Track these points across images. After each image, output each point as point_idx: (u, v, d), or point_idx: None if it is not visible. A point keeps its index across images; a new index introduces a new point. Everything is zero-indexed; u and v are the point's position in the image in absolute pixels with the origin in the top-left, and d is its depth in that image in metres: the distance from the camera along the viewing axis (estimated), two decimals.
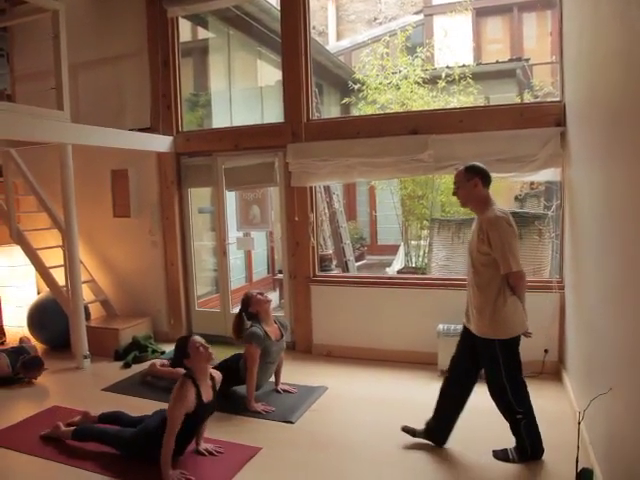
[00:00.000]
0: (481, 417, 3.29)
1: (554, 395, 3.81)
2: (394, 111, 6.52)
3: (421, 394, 3.89)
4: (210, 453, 3.15)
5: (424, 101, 6.83)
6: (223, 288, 5.52)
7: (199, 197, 5.84)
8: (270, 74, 8.19)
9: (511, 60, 8.40)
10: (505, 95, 7.73)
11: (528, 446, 2.95)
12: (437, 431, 3.18)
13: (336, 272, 6.23)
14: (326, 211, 6.71)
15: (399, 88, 6.92)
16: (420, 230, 7.12)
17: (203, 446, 3.18)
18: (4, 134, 4.15)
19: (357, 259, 8.00)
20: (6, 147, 5.22)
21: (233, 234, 5.63)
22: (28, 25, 5.42)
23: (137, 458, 3.05)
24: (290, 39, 4.88)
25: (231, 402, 3.84)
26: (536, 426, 2.97)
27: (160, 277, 5.59)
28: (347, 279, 5.23)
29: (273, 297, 7.03)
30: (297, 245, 5.02)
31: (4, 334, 5.65)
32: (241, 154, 5.23)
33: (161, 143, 5.29)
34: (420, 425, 3.22)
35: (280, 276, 6.13)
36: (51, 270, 5.20)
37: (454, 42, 8.08)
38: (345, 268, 6.81)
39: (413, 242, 7.25)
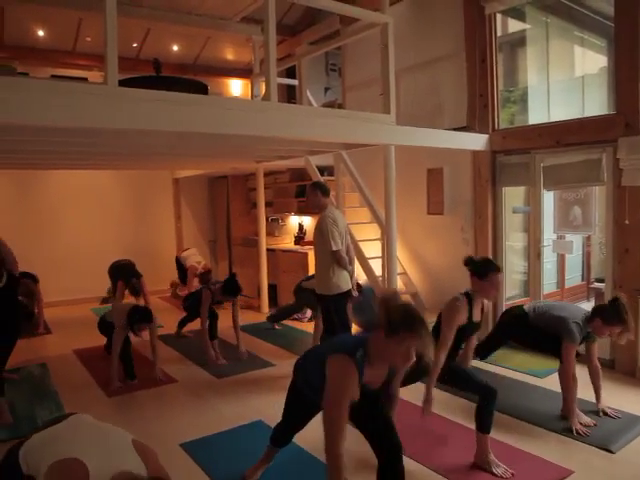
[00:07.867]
0: None
1: None
2: None
3: None
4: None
5: None
6: (534, 292, 5.21)
7: (512, 196, 5.67)
8: (591, 61, 7.47)
9: None
10: None
11: None
12: None
13: None
14: None
15: None
16: None
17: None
18: (341, 138, 4.64)
19: None
20: (339, 149, 5.90)
21: (547, 236, 5.31)
22: (357, 41, 6.02)
23: None
24: (625, 17, 4.31)
25: (545, 417, 3.65)
26: None
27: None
28: None
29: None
30: (626, 252, 4.44)
31: None
32: (562, 151, 4.87)
33: (477, 141, 5.29)
34: None
35: (597, 285, 5.53)
36: (369, 260, 5.69)
37: None
38: None
39: None
